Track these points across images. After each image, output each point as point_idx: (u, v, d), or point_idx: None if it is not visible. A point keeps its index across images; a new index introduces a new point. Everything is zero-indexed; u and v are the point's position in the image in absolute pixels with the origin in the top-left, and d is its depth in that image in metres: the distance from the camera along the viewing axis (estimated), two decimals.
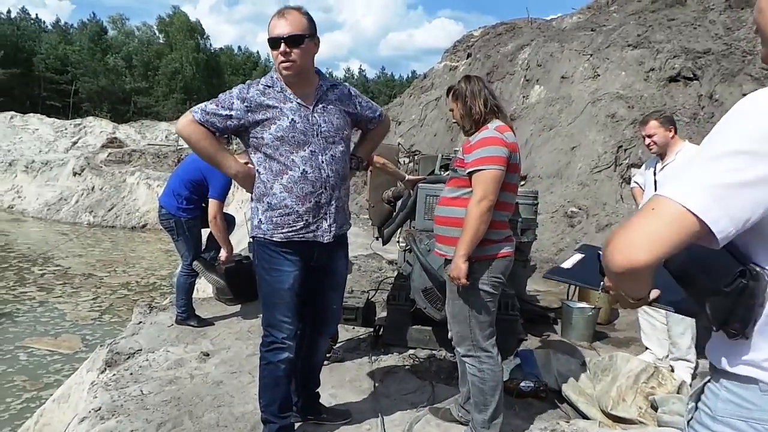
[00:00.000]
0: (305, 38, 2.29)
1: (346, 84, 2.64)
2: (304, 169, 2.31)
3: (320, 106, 2.39)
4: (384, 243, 4.27)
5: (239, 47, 76.17)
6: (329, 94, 2.45)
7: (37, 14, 67.59)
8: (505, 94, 11.89)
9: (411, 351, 3.75)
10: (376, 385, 3.29)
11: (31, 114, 38.38)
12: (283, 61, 2.28)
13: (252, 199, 2.44)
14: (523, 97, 11.22)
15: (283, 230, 2.34)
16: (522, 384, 3.18)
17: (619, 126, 8.52)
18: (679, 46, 9.14)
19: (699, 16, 9.77)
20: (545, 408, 3.10)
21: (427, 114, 15.22)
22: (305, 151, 2.31)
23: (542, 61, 11.24)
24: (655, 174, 3.56)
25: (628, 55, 9.60)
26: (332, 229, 2.41)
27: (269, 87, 2.36)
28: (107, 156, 22.36)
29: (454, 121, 2.72)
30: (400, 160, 5.58)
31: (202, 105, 2.35)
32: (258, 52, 75.29)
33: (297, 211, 2.32)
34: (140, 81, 57.76)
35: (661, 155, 3.55)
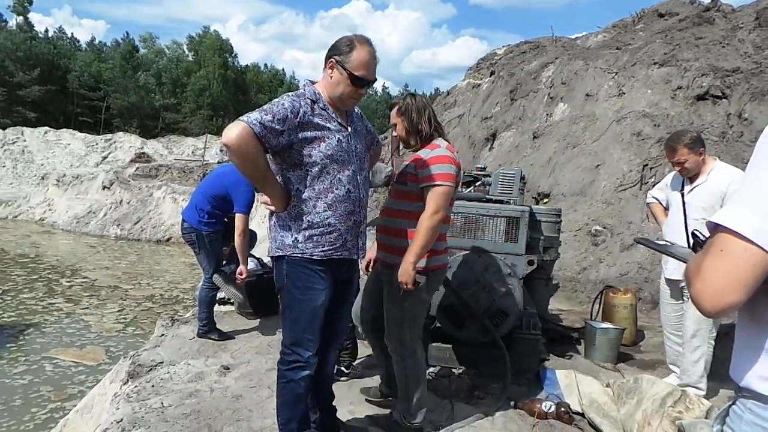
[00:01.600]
0: None
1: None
2: (348, 188, 2.34)
3: (351, 128, 2.44)
4: None
5: (265, 65, 77.69)
6: (355, 117, 2.53)
7: (72, 33, 69.81)
8: (529, 112, 11.85)
9: (431, 369, 3.71)
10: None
11: (64, 129, 39.69)
12: (354, 99, 2.39)
13: (280, 217, 2.36)
14: (547, 114, 11.16)
15: (324, 248, 2.33)
16: (544, 404, 3.12)
17: (645, 144, 8.40)
18: (707, 64, 9.01)
19: (728, 34, 9.64)
20: (567, 430, 3.03)
21: (449, 131, 15.22)
22: (349, 170, 2.35)
23: (566, 78, 11.19)
24: (683, 195, 3.42)
25: (654, 74, 9.50)
26: (361, 247, 2.48)
27: (315, 103, 2.33)
28: (135, 170, 22.87)
29: (395, 135, 2.86)
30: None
31: (256, 115, 2.16)
32: (283, 70, 76.73)
33: (339, 229, 2.34)
34: (169, 98, 59.26)
35: (691, 177, 3.44)
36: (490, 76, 15.43)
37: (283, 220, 2.36)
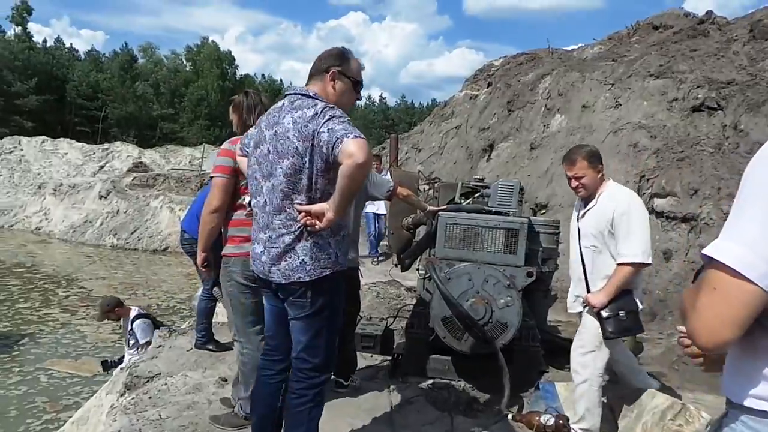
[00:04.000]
0: None
1: None
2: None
3: None
4: (403, 270, 4.26)
5: (262, 75, 77.82)
6: None
7: (71, 44, 69.78)
8: (526, 123, 11.90)
9: (430, 381, 3.70)
10: (394, 415, 3.25)
11: (62, 138, 39.61)
12: (352, 104, 2.49)
13: (321, 236, 2.24)
14: (544, 125, 11.21)
15: (347, 257, 2.49)
16: (543, 417, 3.11)
17: (642, 156, 8.44)
18: (703, 76, 9.08)
19: (722, 47, 9.72)
20: None
21: (447, 142, 15.28)
22: None
23: (563, 90, 11.26)
24: (578, 219, 3.10)
25: (650, 85, 9.56)
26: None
27: None
28: (132, 180, 22.85)
29: (234, 130, 3.06)
30: (420, 187, 5.60)
31: (356, 131, 2.12)
32: (281, 80, 76.84)
33: (350, 236, 2.63)
34: (167, 107, 59.30)
35: (586, 199, 3.07)
36: (488, 87, 15.52)
37: (323, 238, 2.25)
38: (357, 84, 2.40)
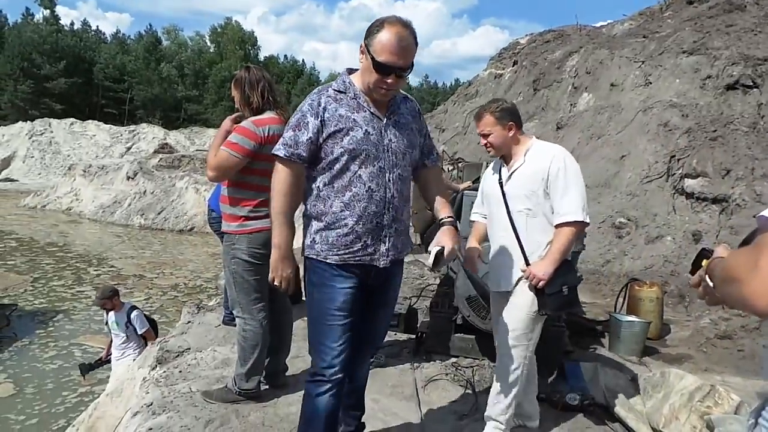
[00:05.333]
0: (413, 66, 2.06)
1: (416, 101, 2.35)
2: (369, 186, 2.07)
3: (393, 118, 2.16)
4: (425, 248, 4.27)
5: (285, 56, 77.82)
6: (402, 107, 2.22)
7: (98, 26, 71.11)
8: (552, 102, 11.69)
9: (453, 359, 3.72)
10: (419, 392, 3.28)
11: (90, 121, 40.42)
12: (383, 89, 2.04)
13: (304, 214, 2.22)
14: (571, 105, 11.00)
15: (339, 252, 2.11)
16: (568, 397, 3.11)
17: (673, 135, 8.23)
18: (738, 52, 8.77)
19: (760, 21, 9.35)
20: (591, 423, 3.01)
21: (471, 122, 15.11)
22: (374, 166, 2.08)
23: (591, 68, 11.00)
24: (501, 184, 2.69)
25: (683, 62, 9.28)
26: (390, 253, 2.16)
27: (341, 93, 2.12)
28: (158, 161, 23.21)
29: (236, 107, 3.00)
30: (444, 167, 5.57)
31: (283, 138, 2.10)
32: (303, 60, 76.85)
33: (356, 231, 2.08)
34: (191, 89, 59.85)
35: (505, 158, 2.72)
36: (513, 66, 15.26)
37: (307, 218, 2.20)
38: (378, 65, 1.98)
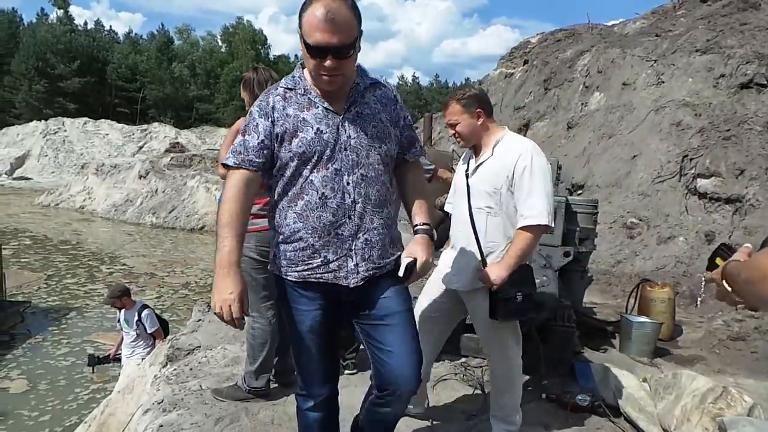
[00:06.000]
0: (356, 44, 1.71)
1: (391, 86, 2.00)
2: (323, 193, 1.78)
3: (353, 110, 1.83)
4: (436, 248, 4.26)
5: (296, 55, 78.00)
6: (366, 95, 1.88)
7: (111, 26, 71.83)
8: (563, 101, 11.63)
9: (463, 359, 3.72)
10: (428, 391, 3.28)
11: (103, 120, 40.86)
12: (325, 76, 1.72)
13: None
14: (582, 104, 10.94)
15: (298, 268, 1.85)
16: (578, 398, 3.09)
17: (685, 135, 8.16)
18: (753, 51, 8.67)
19: None
20: (602, 424, 2.99)
21: None
22: (328, 169, 1.78)
23: (603, 67, 10.93)
24: (467, 175, 2.51)
25: (696, 61, 9.19)
26: (360, 270, 1.84)
27: (290, 90, 1.84)
28: (170, 160, 23.39)
29: (247, 108, 2.97)
30: (454, 166, 5.56)
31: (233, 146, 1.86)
32: None
33: (313, 245, 1.81)
34: (202, 89, 60.25)
35: (476, 148, 2.54)
36: (524, 65, 15.20)
37: (272, 231, 1.96)
38: (309, 48, 1.68)
